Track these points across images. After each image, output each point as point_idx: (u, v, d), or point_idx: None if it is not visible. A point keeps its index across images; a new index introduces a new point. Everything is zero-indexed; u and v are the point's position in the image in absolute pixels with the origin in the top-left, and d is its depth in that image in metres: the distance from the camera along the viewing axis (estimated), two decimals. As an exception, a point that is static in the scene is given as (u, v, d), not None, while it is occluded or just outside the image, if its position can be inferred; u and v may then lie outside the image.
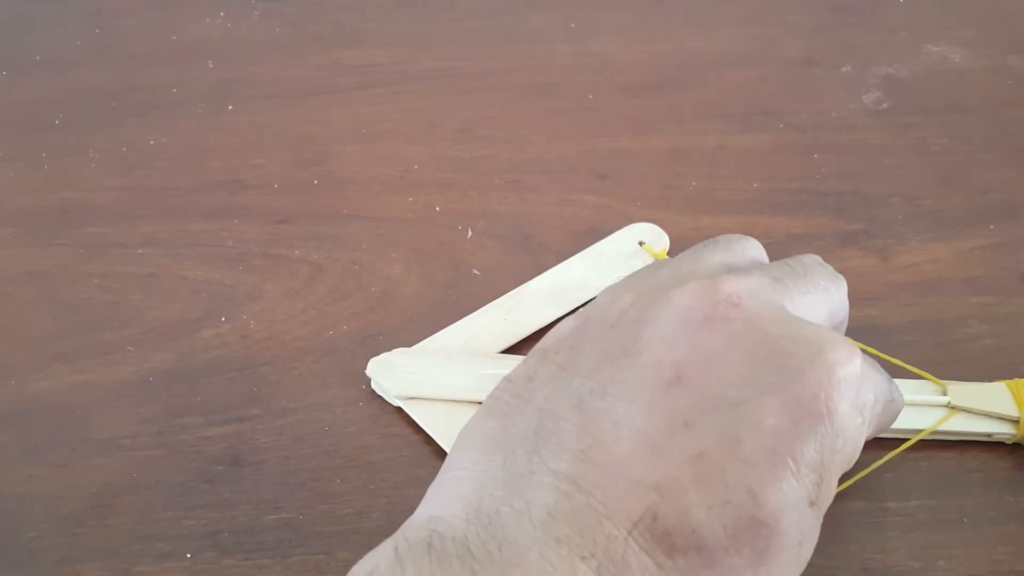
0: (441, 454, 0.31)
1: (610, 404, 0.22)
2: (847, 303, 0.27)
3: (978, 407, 0.30)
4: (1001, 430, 0.30)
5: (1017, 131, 0.41)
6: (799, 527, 0.21)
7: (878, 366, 0.25)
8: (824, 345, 0.22)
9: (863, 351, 0.23)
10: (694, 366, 0.22)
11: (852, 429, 0.22)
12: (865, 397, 0.23)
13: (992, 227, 0.37)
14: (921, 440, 0.30)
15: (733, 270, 0.25)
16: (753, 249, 0.27)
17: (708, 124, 0.42)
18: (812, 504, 0.21)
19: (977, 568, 0.28)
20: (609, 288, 0.26)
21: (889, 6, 0.48)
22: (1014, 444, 0.30)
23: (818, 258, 0.27)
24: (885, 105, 0.43)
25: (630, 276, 0.26)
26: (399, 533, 0.21)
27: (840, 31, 0.46)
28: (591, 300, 0.26)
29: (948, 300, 0.35)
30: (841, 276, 0.27)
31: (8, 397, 0.33)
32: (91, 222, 0.38)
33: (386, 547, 0.20)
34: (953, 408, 0.30)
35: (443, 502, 0.21)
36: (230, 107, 0.43)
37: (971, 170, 0.40)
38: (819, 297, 0.25)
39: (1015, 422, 0.30)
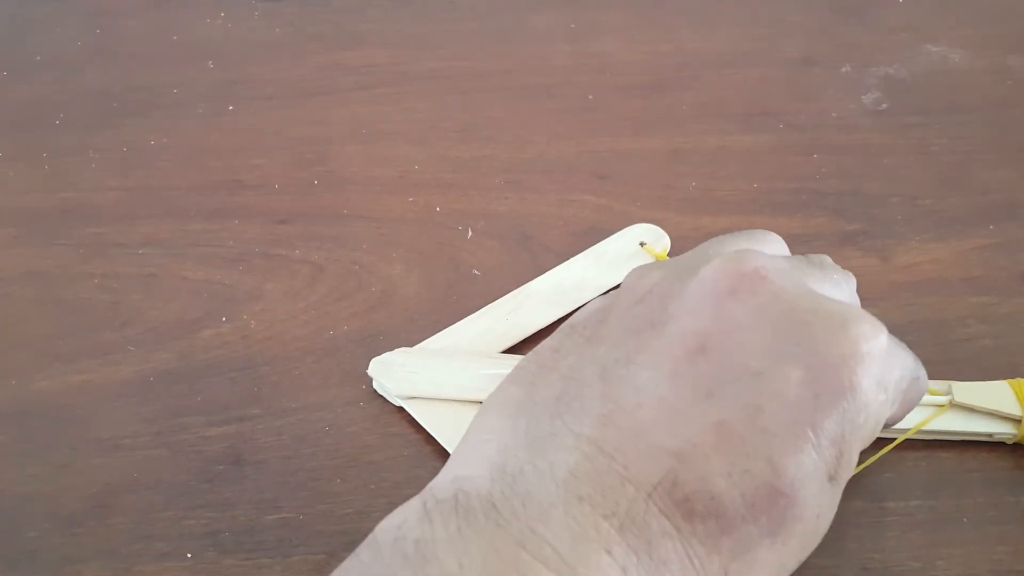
0: (442, 453, 0.31)
1: (634, 372, 0.22)
2: (858, 301, 0.27)
3: (981, 405, 0.30)
4: (1002, 430, 0.30)
5: (1017, 131, 0.41)
6: (817, 499, 0.21)
7: (904, 344, 0.25)
8: (849, 319, 0.22)
9: None
10: (718, 336, 0.22)
11: (875, 405, 0.22)
12: (890, 374, 0.23)
13: (992, 227, 0.37)
14: (921, 440, 0.30)
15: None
16: (775, 242, 0.27)
17: (708, 124, 0.42)
18: (831, 478, 0.21)
19: (977, 568, 0.28)
20: (636, 269, 0.26)
21: (889, 6, 0.48)
22: (1014, 444, 0.30)
23: (826, 257, 0.27)
24: (885, 105, 0.43)
25: (660, 262, 0.27)
26: (426, 491, 0.21)
27: (840, 31, 0.46)
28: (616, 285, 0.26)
29: (948, 300, 0.35)
30: (851, 274, 0.27)
31: (8, 397, 0.33)
32: (91, 222, 0.38)
33: (414, 503, 0.21)
34: (956, 405, 0.30)
35: (468, 463, 0.22)
36: (230, 107, 0.43)
37: (971, 170, 0.40)
38: (832, 289, 0.25)
39: (1017, 421, 0.30)
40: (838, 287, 0.25)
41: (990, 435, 0.30)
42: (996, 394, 0.30)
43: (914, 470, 0.30)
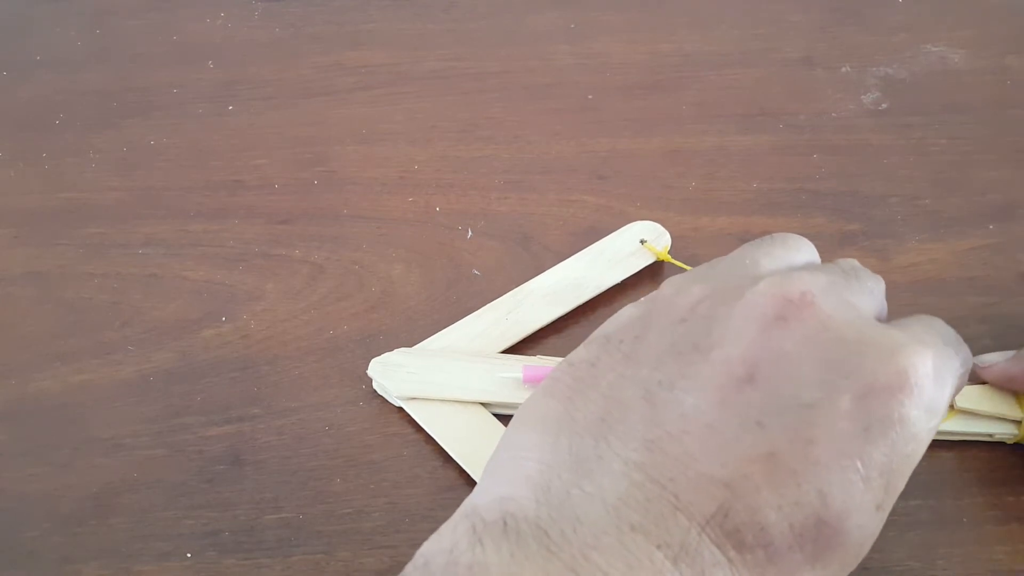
0: (441, 454, 0.31)
1: (679, 397, 0.22)
2: (885, 304, 0.27)
3: (982, 409, 0.30)
4: (1003, 430, 0.30)
5: (1015, 131, 0.41)
6: (862, 529, 0.21)
7: (951, 337, 0.24)
8: (897, 349, 0.22)
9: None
10: (766, 365, 0.22)
11: (925, 432, 0.22)
12: (941, 395, 0.22)
13: (991, 227, 0.37)
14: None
15: (795, 268, 0.25)
16: (807, 248, 0.27)
17: (707, 124, 0.42)
18: (878, 507, 0.21)
19: (976, 567, 0.28)
20: (673, 280, 0.25)
21: (888, 7, 0.48)
22: (1015, 444, 0.30)
23: (855, 261, 0.27)
24: (884, 105, 0.43)
25: (693, 270, 0.26)
26: (472, 511, 0.21)
27: (839, 31, 0.46)
28: (654, 291, 0.26)
29: (947, 300, 0.35)
30: (880, 277, 0.27)
31: (8, 397, 0.33)
32: (92, 222, 0.38)
33: (463, 526, 0.21)
34: (957, 410, 0.30)
35: (510, 482, 0.22)
36: (230, 107, 0.43)
37: (970, 170, 0.40)
38: (867, 299, 0.25)
39: (1017, 423, 0.30)
40: (872, 295, 0.25)
41: (991, 435, 0.30)
42: (997, 396, 0.30)
43: (914, 470, 0.30)
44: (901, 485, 0.22)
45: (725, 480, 0.20)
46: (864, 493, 0.21)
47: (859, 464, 0.21)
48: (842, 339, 0.22)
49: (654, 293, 0.25)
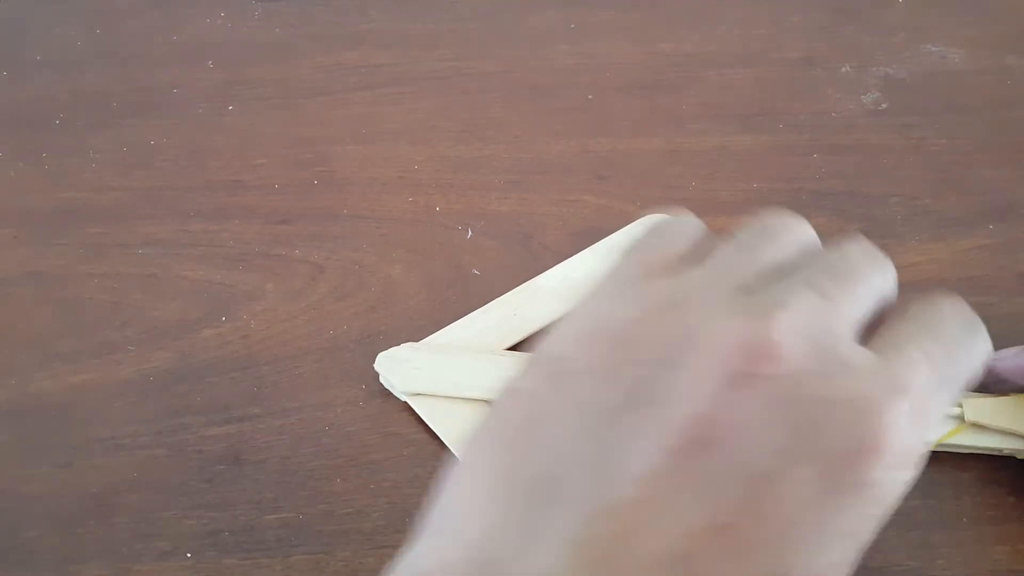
0: (442, 453, 0.31)
1: (627, 460, 0.20)
2: (895, 285, 0.25)
3: (992, 423, 0.29)
4: (1013, 445, 0.29)
5: (1015, 131, 0.41)
6: None
7: (951, 342, 0.23)
8: (865, 410, 0.20)
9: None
10: (724, 428, 0.20)
11: (898, 487, 0.21)
12: (918, 443, 0.21)
13: (991, 227, 0.37)
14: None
15: (781, 275, 0.23)
16: (803, 235, 0.25)
17: (708, 124, 0.42)
18: (844, 563, 0.20)
19: (976, 567, 0.28)
20: (629, 295, 0.23)
21: (888, 7, 0.48)
22: None
23: (862, 244, 0.24)
24: (884, 105, 0.43)
25: (655, 281, 0.23)
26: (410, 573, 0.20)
27: (839, 31, 0.46)
28: (591, 296, 0.23)
29: (947, 300, 0.35)
30: (887, 259, 0.24)
31: (8, 397, 0.33)
32: (92, 222, 0.38)
33: None
34: (968, 423, 0.30)
35: (451, 545, 0.20)
36: (230, 107, 0.43)
37: (970, 170, 0.40)
38: (867, 293, 0.23)
39: None
40: (873, 288, 0.24)
41: (999, 450, 0.30)
42: (1007, 411, 0.30)
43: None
44: (869, 539, 0.21)
45: (680, 555, 0.19)
46: (828, 556, 0.20)
47: (823, 533, 0.20)
48: (809, 400, 0.20)
49: (602, 306, 0.23)
